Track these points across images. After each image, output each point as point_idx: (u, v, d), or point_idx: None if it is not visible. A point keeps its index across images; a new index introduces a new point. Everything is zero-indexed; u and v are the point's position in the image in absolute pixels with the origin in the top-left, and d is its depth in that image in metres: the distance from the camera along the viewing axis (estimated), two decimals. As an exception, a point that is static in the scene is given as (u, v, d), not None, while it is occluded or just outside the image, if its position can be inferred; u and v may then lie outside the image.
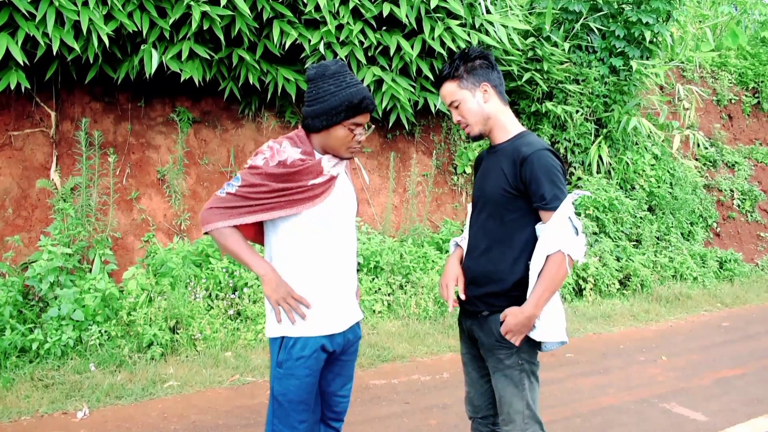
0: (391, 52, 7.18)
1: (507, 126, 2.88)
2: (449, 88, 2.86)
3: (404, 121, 7.76)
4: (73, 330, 5.37)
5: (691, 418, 4.90)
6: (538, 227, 2.76)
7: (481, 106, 2.83)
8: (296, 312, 2.70)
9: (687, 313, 8.25)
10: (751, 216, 12.28)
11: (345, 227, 2.85)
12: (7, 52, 5.59)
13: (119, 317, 5.65)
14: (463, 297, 2.94)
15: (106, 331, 5.51)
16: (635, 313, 7.95)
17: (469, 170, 8.89)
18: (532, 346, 2.82)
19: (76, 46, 5.79)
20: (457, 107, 2.86)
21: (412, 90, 7.60)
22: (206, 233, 2.74)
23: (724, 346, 6.90)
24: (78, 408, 4.57)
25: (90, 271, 6.12)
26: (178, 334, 5.71)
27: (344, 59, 2.37)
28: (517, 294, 2.78)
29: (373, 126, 2.39)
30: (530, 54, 9.07)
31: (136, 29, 6.04)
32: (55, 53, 5.82)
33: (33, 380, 4.93)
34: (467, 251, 2.99)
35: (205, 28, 6.24)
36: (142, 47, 6.27)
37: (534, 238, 2.77)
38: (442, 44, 7.38)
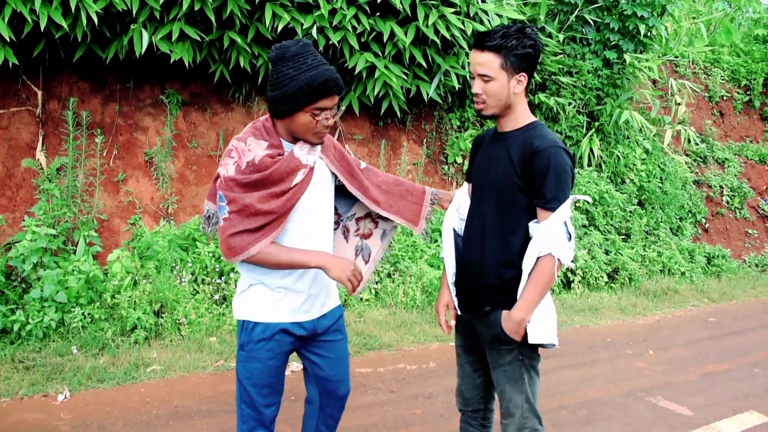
0: (385, 39, 7.10)
1: (519, 115, 2.75)
2: (488, 59, 2.61)
3: (396, 109, 7.69)
4: (56, 312, 5.30)
5: (677, 413, 4.89)
6: (532, 226, 2.67)
7: (509, 94, 2.66)
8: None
9: (674, 308, 8.24)
10: (740, 213, 12.30)
11: (319, 216, 2.75)
12: (-6, 28, 5.49)
13: (103, 300, 5.59)
14: (452, 323, 2.92)
15: (89, 314, 5.45)
16: (623, 306, 7.94)
17: (460, 160, 8.84)
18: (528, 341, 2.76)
19: (64, 24, 5.69)
20: (486, 82, 2.63)
21: (405, 78, 7.53)
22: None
23: (711, 341, 6.90)
24: (59, 391, 4.51)
25: (74, 252, 6.05)
26: (162, 318, 5.65)
27: (308, 41, 2.26)
28: (515, 288, 2.71)
29: (343, 108, 2.31)
30: (524, 44, 8.99)
31: (125, 8, 5.93)
32: (42, 30, 5.72)
33: (14, 362, 4.86)
34: (465, 239, 2.89)
35: (195, 9, 6.14)
36: (131, 27, 6.16)
37: None
38: (436, 32, 7.30)
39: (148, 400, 4.49)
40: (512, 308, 2.67)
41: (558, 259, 2.62)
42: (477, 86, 2.68)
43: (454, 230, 2.99)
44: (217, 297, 6.05)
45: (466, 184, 3.01)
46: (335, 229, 3.00)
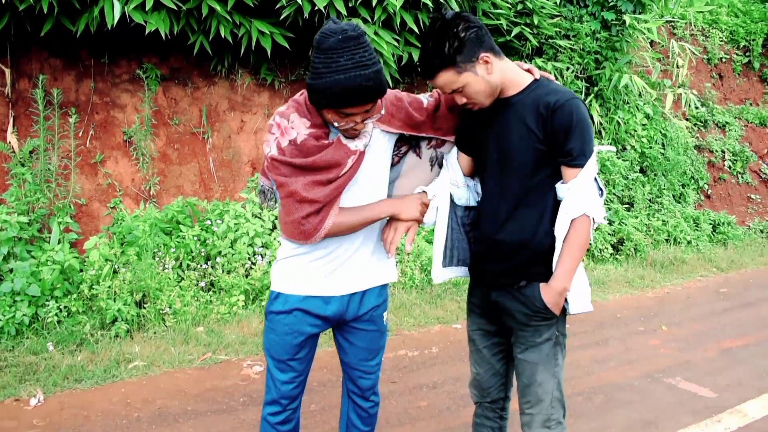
0: (374, 3, 6.67)
1: (515, 78, 2.50)
2: (447, 78, 2.39)
3: (387, 78, 7.27)
4: (29, 306, 4.93)
5: (699, 395, 4.58)
6: (560, 187, 2.44)
7: (486, 80, 2.41)
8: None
9: (683, 279, 7.93)
10: (742, 178, 11.97)
11: (371, 189, 2.58)
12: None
13: (80, 291, 5.21)
14: (408, 248, 2.64)
15: (65, 307, 5.08)
16: (630, 279, 7.61)
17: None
18: (564, 315, 2.61)
19: (28, -5, 5.28)
20: (461, 91, 2.43)
21: (396, 44, 7.12)
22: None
23: (725, 314, 6.58)
24: (32, 394, 4.14)
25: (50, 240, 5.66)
26: (144, 308, 5.28)
27: (359, 27, 2.02)
28: (551, 258, 2.51)
29: (382, 112, 2.07)
30: (520, 7, 8.57)
31: (94, -24, 5.50)
32: (3, 3, 5.28)
33: (-17, 363, 4.50)
34: (487, 217, 2.61)
35: (170, -25, 5.71)
36: (101, -4, 5.73)
37: None
38: (428, -5, 6.88)
39: (129, 401, 4.13)
40: (551, 278, 2.49)
41: (592, 218, 2.45)
42: (458, 100, 2.49)
43: (452, 197, 2.72)
44: (203, 284, 5.69)
45: (455, 150, 2.72)
46: (407, 152, 2.75)
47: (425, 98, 2.67)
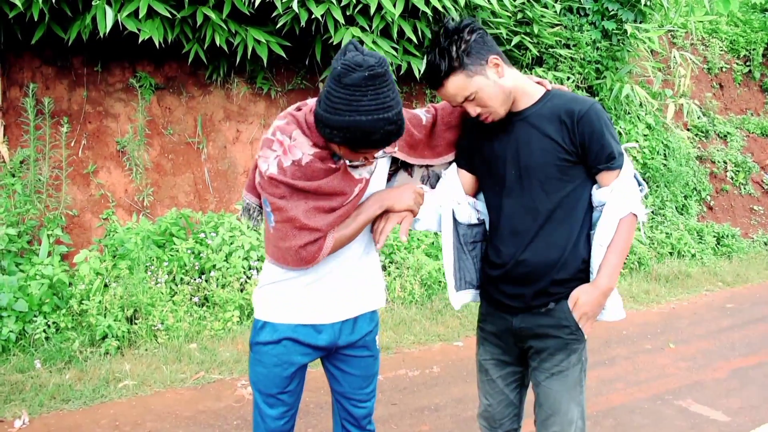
0: (372, 12, 6.52)
1: (528, 89, 2.41)
2: (458, 83, 2.28)
3: (386, 88, 7.12)
4: (16, 322, 4.75)
5: (712, 419, 4.40)
6: (598, 192, 2.38)
7: (499, 84, 2.31)
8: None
9: (688, 294, 7.75)
10: (745, 189, 11.82)
11: None
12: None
13: (69, 306, 5.03)
14: (403, 238, 2.43)
15: (54, 323, 4.90)
16: (635, 294, 7.44)
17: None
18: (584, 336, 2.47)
19: (18, 2, 5.12)
20: (473, 99, 2.31)
21: (394, 53, 6.97)
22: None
23: (733, 330, 6.40)
24: (17, 415, 3.97)
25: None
26: (136, 324, 5.11)
27: (385, 62, 1.90)
28: (582, 276, 2.43)
29: (395, 149, 2.01)
30: (519, 16, 8.44)
31: (86, -18, 5.35)
32: (-7, 9, 5.14)
33: (-33, 382, 4.32)
34: (507, 238, 2.46)
35: (164, -19, 5.56)
36: (94, 3, 5.57)
37: (590, 209, 2.43)
38: (427, 3, 6.73)
39: (118, 423, 3.95)
40: (596, 278, 2.37)
41: (636, 215, 2.39)
42: (471, 110, 2.37)
43: (454, 216, 2.56)
44: (196, 299, 5.51)
45: (454, 166, 2.59)
46: (397, 170, 2.63)
47: (423, 114, 2.54)
